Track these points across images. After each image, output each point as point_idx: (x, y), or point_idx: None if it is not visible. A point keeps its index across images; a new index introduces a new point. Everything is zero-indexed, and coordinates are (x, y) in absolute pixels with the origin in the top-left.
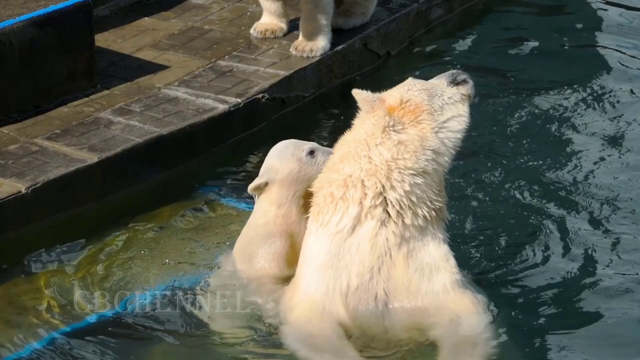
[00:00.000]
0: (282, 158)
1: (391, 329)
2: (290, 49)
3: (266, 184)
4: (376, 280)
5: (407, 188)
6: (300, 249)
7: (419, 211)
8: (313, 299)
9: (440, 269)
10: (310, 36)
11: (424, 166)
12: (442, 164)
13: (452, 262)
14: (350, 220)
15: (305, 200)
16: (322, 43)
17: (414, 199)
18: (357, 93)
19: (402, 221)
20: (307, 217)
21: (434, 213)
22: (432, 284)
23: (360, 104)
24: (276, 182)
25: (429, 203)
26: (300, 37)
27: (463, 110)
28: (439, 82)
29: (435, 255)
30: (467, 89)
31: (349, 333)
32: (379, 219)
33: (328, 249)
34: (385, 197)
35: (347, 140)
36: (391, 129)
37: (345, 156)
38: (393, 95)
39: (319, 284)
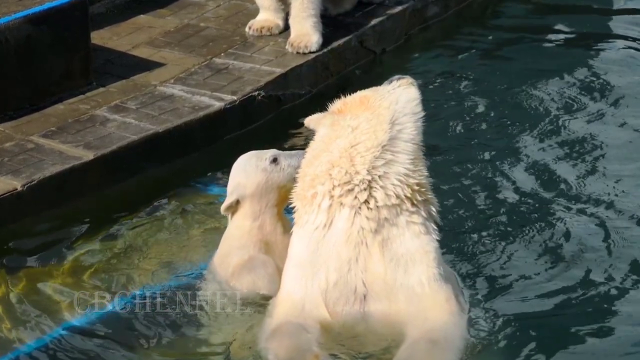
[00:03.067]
0: (248, 172)
1: (371, 326)
2: (286, 46)
3: (237, 201)
4: (354, 272)
5: (370, 165)
6: (278, 255)
7: (390, 188)
8: (293, 299)
9: (416, 261)
10: (303, 31)
11: (382, 140)
12: (404, 131)
13: (432, 254)
14: (324, 214)
15: (279, 207)
16: (315, 37)
17: (379, 173)
18: (307, 121)
19: (375, 204)
20: (283, 224)
21: (408, 190)
22: (408, 277)
23: (313, 127)
24: (247, 197)
25: (400, 177)
26: (293, 34)
27: (410, 89)
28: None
29: (411, 246)
30: (406, 80)
31: (329, 331)
32: (350, 206)
33: (307, 247)
34: (353, 183)
35: (308, 150)
36: (342, 121)
37: (308, 161)
38: (336, 103)
39: (298, 282)
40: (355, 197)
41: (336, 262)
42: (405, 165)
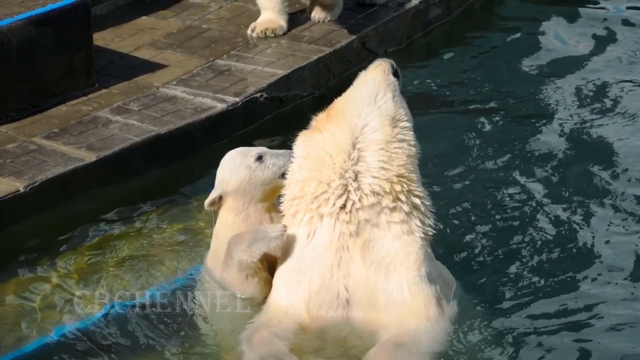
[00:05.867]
0: (232, 169)
1: (355, 331)
2: (311, 16)
3: (220, 197)
4: (337, 278)
5: (341, 169)
6: None
7: (365, 187)
8: (279, 305)
9: (397, 264)
10: (327, 3)
11: (345, 143)
12: (369, 124)
13: (413, 256)
14: (306, 227)
15: (265, 203)
16: (336, 9)
17: (351, 174)
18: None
19: (352, 206)
20: (272, 216)
21: (386, 184)
22: (387, 281)
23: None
24: (229, 193)
25: (374, 173)
26: (317, 7)
27: (372, 75)
28: None
29: (392, 249)
30: (372, 65)
31: (312, 335)
32: (329, 215)
33: (291, 255)
34: (328, 193)
35: (287, 173)
36: (310, 138)
37: (288, 182)
38: (312, 121)
39: (284, 289)
40: (333, 205)
41: (319, 268)
42: (377, 158)
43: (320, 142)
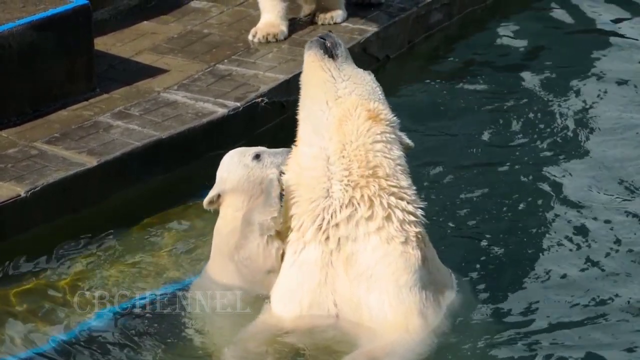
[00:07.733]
0: (230, 167)
1: (345, 343)
2: (315, 20)
3: (219, 196)
4: (325, 294)
5: (311, 197)
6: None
7: (335, 202)
8: (272, 314)
9: (377, 277)
10: (330, 7)
11: (304, 175)
12: (321, 145)
13: (392, 267)
14: (294, 247)
15: None
16: (341, 12)
17: (322, 193)
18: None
19: (328, 224)
20: None
21: (356, 192)
22: (368, 295)
23: None
24: (228, 192)
25: (338, 185)
26: (320, 10)
27: (310, 76)
28: None
29: (371, 261)
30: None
31: (304, 343)
32: (312, 239)
33: (284, 271)
34: (307, 222)
35: None
36: (285, 178)
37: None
38: None
39: (279, 301)
40: (312, 229)
41: (309, 284)
42: (339, 169)
43: (292, 179)
